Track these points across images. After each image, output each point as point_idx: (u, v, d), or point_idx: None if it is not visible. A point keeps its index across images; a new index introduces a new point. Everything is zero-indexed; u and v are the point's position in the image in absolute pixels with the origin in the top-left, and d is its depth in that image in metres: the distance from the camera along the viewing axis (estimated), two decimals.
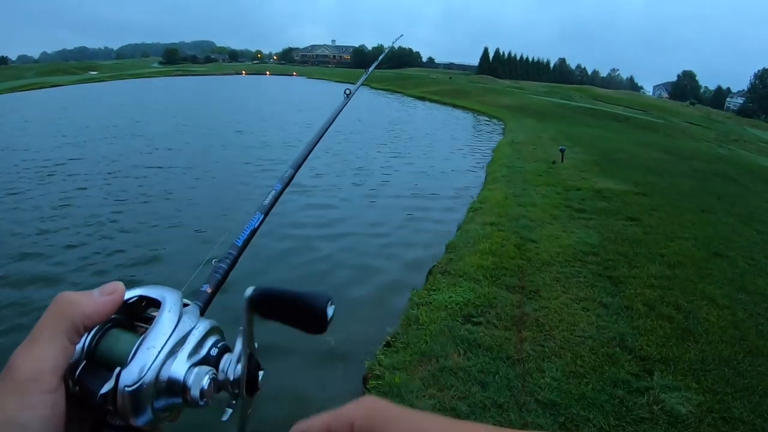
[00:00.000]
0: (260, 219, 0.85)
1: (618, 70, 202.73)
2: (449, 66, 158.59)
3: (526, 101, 50.42)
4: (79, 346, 0.51)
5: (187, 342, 0.53)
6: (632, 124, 42.01)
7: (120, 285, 0.53)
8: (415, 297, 6.41)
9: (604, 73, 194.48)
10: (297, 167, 1.04)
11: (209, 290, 0.68)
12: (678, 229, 9.57)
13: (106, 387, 0.49)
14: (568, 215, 10.11)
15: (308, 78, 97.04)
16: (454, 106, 46.62)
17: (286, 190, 0.98)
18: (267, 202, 0.88)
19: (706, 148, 33.03)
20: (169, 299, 0.55)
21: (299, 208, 11.05)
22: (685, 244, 8.70)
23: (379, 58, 2.31)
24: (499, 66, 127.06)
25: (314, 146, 1.13)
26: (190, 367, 0.52)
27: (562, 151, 16.72)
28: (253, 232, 0.82)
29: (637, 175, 15.33)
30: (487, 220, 9.63)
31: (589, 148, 21.09)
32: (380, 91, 64.24)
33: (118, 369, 0.49)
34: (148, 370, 0.49)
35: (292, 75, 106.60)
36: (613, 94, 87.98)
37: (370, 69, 2.09)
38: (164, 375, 0.51)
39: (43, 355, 0.46)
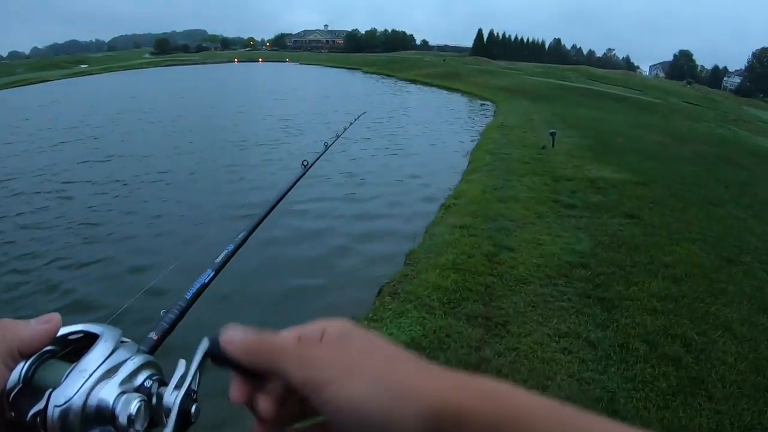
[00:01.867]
0: (211, 275, 0.87)
1: (614, 50, 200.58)
2: (443, 48, 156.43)
3: (520, 82, 48.79)
4: (16, 373, 0.51)
5: (120, 370, 0.53)
6: (630, 104, 40.35)
7: (56, 315, 0.54)
8: None
9: (599, 53, 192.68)
10: (251, 231, 1.07)
11: (155, 337, 0.69)
12: (683, 228, 8.10)
13: (37, 407, 0.49)
14: (556, 212, 8.63)
15: (300, 64, 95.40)
16: (446, 88, 44.99)
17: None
18: (219, 260, 0.92)
19: (706, 128, 31.50)
20: (108, 333, 0.56)
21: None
22: (692, 248, 7.22)
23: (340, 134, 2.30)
24: (493, 47, 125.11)
25: (269, 213, 1.17)
26: (120, 393, 0.52)
27: (552, 135, 15.21)
28: (203, 287, 0.84)
29: (635, 161, 13.84)
30: (457, 221, 8.15)
31: (584, 131, 19.54)
32: (372, 75, 62.77)
33: (49, 390, 0.50)
34: (78, 391, 0.49)
35: (285, 61, 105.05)
36: (609, 74, 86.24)
37: (331, 144, 2.01)
38: (93, 398, 0.50)
39: None
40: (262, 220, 1.13)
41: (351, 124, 2.51)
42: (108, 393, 0.51)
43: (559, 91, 43.50)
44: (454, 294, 5.51)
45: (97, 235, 8.86)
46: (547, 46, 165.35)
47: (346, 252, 8.26)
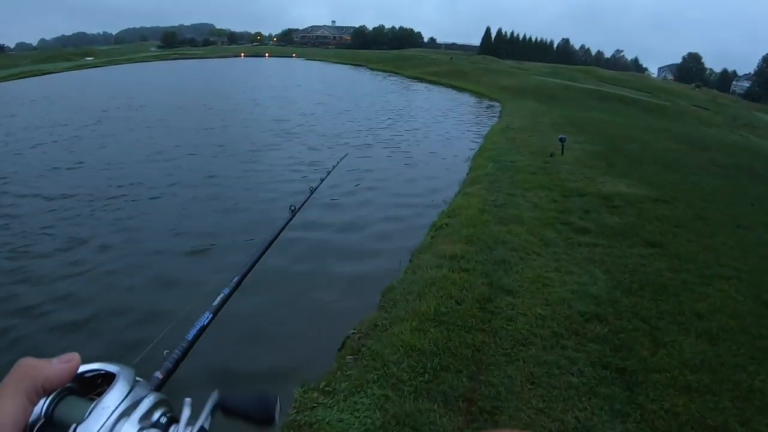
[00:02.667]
0: (209, 318, 0.94)
1: (622, 51, 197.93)
2: (451, 46, 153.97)
3: (528, 82, 47.45)
4: (38, 408, 0.53)
5: (138, 408, 0.56)
6: (640, 107, 38.95)
7: (76, 355, 0.57)
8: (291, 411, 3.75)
9: (608, 54, 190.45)
10: (243, 276, 1.12)
11: (161, 376, 0.75)
12: (713, 260, 6.78)
13: None
14: (566, 239, 7.33)
15: (306, 59, 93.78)
16: (452, 87, 43.71)
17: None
18: (216, 303, 0.99)
19: (718, 134, 30.14)
20: (124, 372, 0.59)
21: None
22: (726, 288, 5.91)
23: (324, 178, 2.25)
24: (501, 46, 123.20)
25: (261, 256, 1.21)
26: (139, 430, 0.55)
27: (562, 141, 13.91)
28: (202, 329, 0.90)
29: (651, 172, 12.58)
30: (448, 248, 6.87)
31: (595, 136, 18.22)
32: (378, 72, 61.43)
33: (74, 425, 0.52)
34: (101, 427, 0.52)
35: (292, 56, 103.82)
36: (618, 76, 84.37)
37: (316, 187, 2.05)
38: None
39: (5, 410, 0.49)
40: (252, 266, 1.15)
41: (334, 167, 2.49)
42: (128, 429, 0.54)
43: (567, 91, 42.16)
44: (432, 360, 4.22)
45: (26, 274, 7.12)
46: (555, 46, 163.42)
47: (320, 279, 7.08)
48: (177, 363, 0.81)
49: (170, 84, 42.15)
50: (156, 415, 0.58)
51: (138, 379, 0.60)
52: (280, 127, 19.84)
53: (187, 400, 0.59)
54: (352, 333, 4.91)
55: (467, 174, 12.68)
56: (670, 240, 7.46)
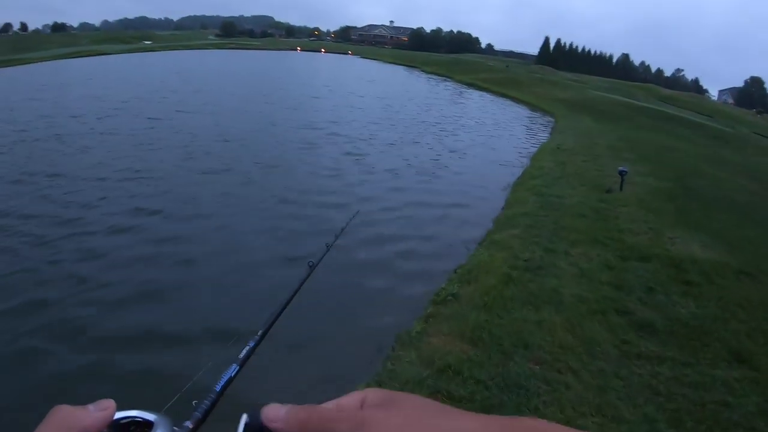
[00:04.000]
0: (236, 370, 0.91)
1: (683, 70, 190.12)
2: (508, 54, 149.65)
3: (584, 96, 44.60)
4: None
5: None
6: (702, 133, 35.73)
7: (111, 402, 0.57)
8: None
9: (668, 73, 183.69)
10: (267, 329, 1.08)
11: (191, 426, 0.70)
12: None
13: None
14: (620, 344, 4.98)
15: (361, 57, 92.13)
16: (505, 95, 41.10)
17: None
18: (242, 355, 0.95)
19: None
20: (161, 421, 0.59)
21: None
22: None
23: (338, 234, 2.07)
24: (559, 57, 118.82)
25: (282, 311, 1.18)
26: None
27: (622, 174, 11.46)
28: (230, 380, 0.88)
29: (728, 224, 10.06)
30: (440, 350, 4.63)
31: (658, 167, 15.61)
32: (432, 76, 59.01)
33: None
34: None
35: (347, 54, 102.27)
36: (677, 95, 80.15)
37: (332, 244, 1.86)
38: None
39: None
40: (274, 321, 1.12)
41: (347, 224, 2.23)
42: None
43: (625, 109, 39.21)
44: None
45: None
46: (614, 60, 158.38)
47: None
48: (206, 414, 0.74)
49: (227, 75, 40.63)
50: None
51: (175, 429, 0.61)
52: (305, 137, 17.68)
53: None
54: None
55: (502, 209, 10.41)
56: (762, 352, 5.08)
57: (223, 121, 18.63)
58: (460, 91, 42.39)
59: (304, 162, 13.51)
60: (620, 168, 11.64)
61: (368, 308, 6.45)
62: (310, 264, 1.43)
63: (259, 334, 1.05)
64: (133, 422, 0.58)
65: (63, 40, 74.66)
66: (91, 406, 0.54)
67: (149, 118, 17.86)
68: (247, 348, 0.99)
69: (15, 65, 37.31)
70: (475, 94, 41.37)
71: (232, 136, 15.94)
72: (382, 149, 15.88)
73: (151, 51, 67.59)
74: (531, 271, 6.63)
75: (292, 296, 1.27)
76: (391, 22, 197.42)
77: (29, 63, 39.68)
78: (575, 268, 6.86)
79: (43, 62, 41.20)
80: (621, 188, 11.50)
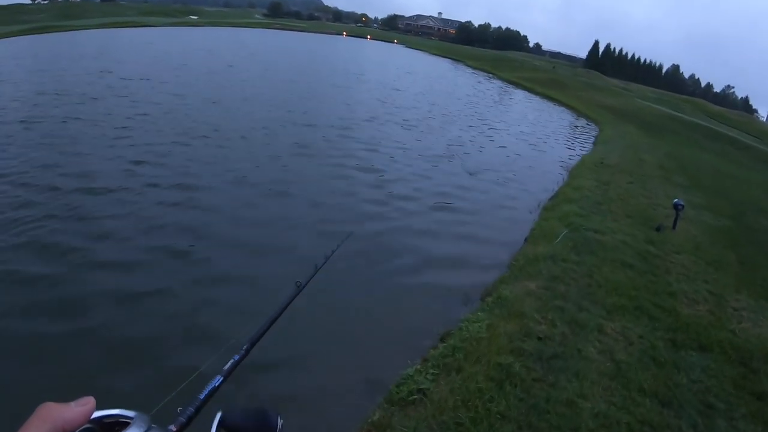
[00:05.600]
0: (220, 380, 0.97)
1: (733, 87, 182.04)
2: (556, 55, 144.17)
3: (631, 105, 41.75)
4: None
5: None
6: (752, 155, 32.54)
7: (91, 399, 0.60)
8: None
9: (717, 89, 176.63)
10: (252, 344, 1.15)
11: (174, 429, 0.74)
12: None
13: None
14: None
15: (406, 47, 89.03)
16: (548, 97, 38.40)
17: None
18: (227, 367, 1.02)
19: None
20: (140, 418, 0.61)
21: None
22: None
23: (329, 256, 2.17)
24: (607, 62, 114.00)
25: (268, 328, 1.24)
26: None
27: (677, 208, 9.12)
28: (214, 390, 0.93)
29: None
30: None
31: (714, 198, 13.14)
32: (477, 71, 56.13)
33: None
34: None
35: (393, 42, 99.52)
36: (726, 113, 75.65)
37: (321, 265, 1.93)
38: None
39: None
40: (260, 336, 1.18)
41: (338, 246, 2.23)
42: None
43: (672, 123, 36.34)
44: None
45: None
46: (664, 71, 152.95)
47: None
48: (189, 419, 0.79)
49: (256, 58, 38.69)
50: None
51: (153, 425, 0.61)
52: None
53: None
54: None
55: (522, 245, 8.16)
56: None
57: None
58: (508, 92, 39.39)
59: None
60: (675, 200, 9.32)
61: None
62: (298, 284, 1.47)
63: (244, 348, 1.11)
64: (117, 422, 0.60)
65: (108, 10, 74.18)
66: (72, 403, 0.58)
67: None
68: (233, 360, 1.04)
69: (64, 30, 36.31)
70: (519, 95, 38.60)
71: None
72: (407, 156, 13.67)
73: (194, 26, 66.47)
74: (543, 362, 4.43)
75: (279, 314, 1.31)
76: (439, 13, 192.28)
77: (73, 29, 38.50)
78: (608, 359, 4.64)
79: (87, 30, 40.02)
80: (674, 226, 9.18)
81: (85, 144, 10.42)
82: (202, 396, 0.89)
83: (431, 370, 4.29)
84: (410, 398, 3.96)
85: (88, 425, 0.58)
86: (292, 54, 41.56)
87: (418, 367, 4.39)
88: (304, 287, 1.48)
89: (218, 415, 0.66)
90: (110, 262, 6.13)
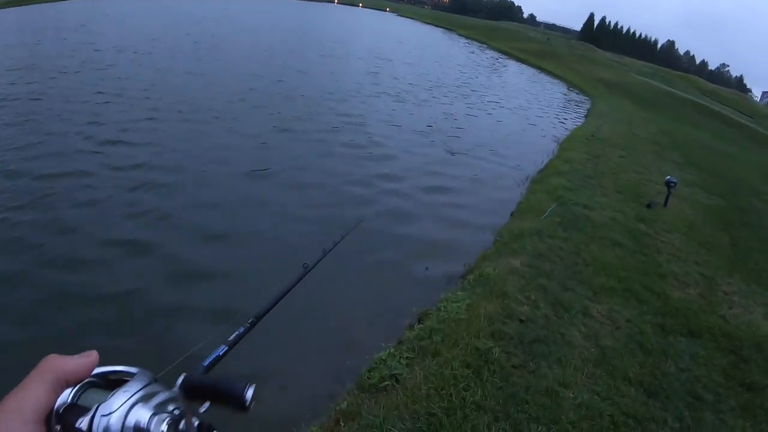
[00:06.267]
0: (224, 350, 1.00)
1: (728, 66, 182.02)
2: (551, 27, 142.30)
3: (626, 79, 41.37)
4: (64, 395, 0.57)
5: (155, 398, 0.59)
6: (744, 134, 32.40)
7: (94, 352, 0.61)
8: None
9: (712, 66, 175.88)
10: (258, 319, 1.19)
11: (177, 392, 0.70)
12: None
13: (86, 415, 0.55)
14: None
15: (398, 15, 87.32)
16: (540, 68, 37.79)
17: None
18: (231, 338, 1.05)
19: None
20: (143, 372, 0.62)
21: None
22: None
23: (337, 241, 2.05)
24: (602, 36, 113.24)
25: (275, 305, 1.26)
26: (153, 414, 0.57)
27: (669, 185, 8.83)
28: (218, 359, 0.97)
29: None
30: None
31: (708, 176, 12.86)
32: (470, 41, 55.11)
33: (97, 405, 0.56)
34: (121, 406, 0.55)
35: (385, 10, 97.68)
36: (719, 91, 75.14)
37: (329, 250, 1.86)
38: (133, 414, 0.56)
39: (28, 396, 0.54)
40: (266, 312, 1.20)
41: (348, 233, 2.16)
42: (144, 412, 0.56)
43: (667, 98, 36.05)
44: None
45: None
46: (659, 46, 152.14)
47: None
48: None
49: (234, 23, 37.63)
50: (170, 407, 0.59)
51: (155, 382, 0.61)
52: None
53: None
54: None
55: (510, 217, 7.88)
56: None
57: None
58: (501, 63, 38.60)
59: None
60: (668, 177, 9.01)
61: None
62: (305, 266, 1.48)
63: (249, 322, 1.15)
64: (120, 379, 0.60)
65: None
66: (75, 356, 0.59)
67: None
68: (237, 333, 1.07)
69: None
70: (512, 65, 38.00)
71: None
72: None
73: None
74: (524, 346, 4.14)
75: (286, 292, 1.32)
76: None
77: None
78: (593, 345, 4.36)
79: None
80: (666, 203, 8.90)
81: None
82: (206, 363, 0.92)
83: (406, 354, 3.99)
84: (381, 384, 3.66)
85: (90, 378, 0.59)
86: (280, 22, 40.37)
87: (392, 350, 4.09)
88: (311, 269, 1.49)
89: (182, 377, 0.61)
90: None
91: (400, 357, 3.96)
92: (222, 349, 1.00)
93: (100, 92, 11.59)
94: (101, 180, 7.22)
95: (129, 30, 23.05)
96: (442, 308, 4.68)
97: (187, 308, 4.91)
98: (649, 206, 8.68)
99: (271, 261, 5.65)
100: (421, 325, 4.48)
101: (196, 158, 8.59)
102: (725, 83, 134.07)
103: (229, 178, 8.06)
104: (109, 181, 7.23)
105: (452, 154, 11.34)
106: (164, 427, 0.56)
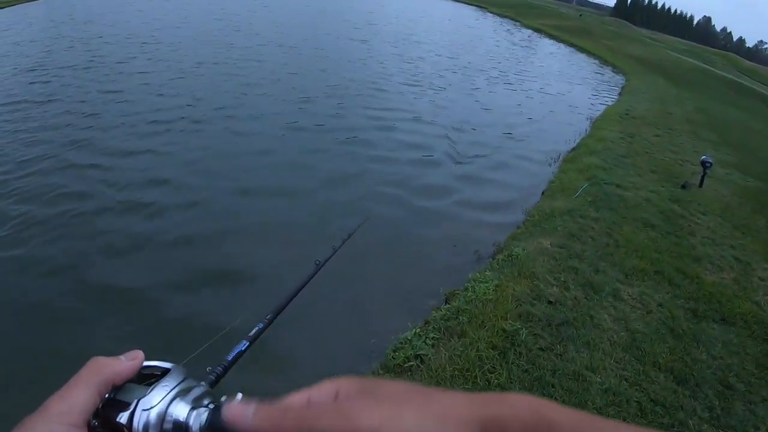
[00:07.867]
0: (246, 345, 1.01)
1: (766, 44, 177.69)
2: (583, 3, 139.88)
3: (660, 56, 40.25)
4: None
5: (191, 392, 0.60)
6: None
7: (140, 353, 0.61)
8: None
9: (750, 44, 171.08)
10: (276, 314, 1.19)
11: (205, 385, 0.71)
12: None
13: (127, 410, 0.55)
14: None
15: None
16: (573, 45, 36.98)
17: None
18: (252, 334, 1.07)
19: None
20: (177, 368, 0.62)
21: None
22: None
23: (345, 239, 1.93)
24: (636, 12, 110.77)
25: (290, 300, 1.27)
26: (192, 408, 0.58)
27: (705, 165, 8.58)
28: (240, 354, 0.96)
29: None
30: None
31: (744, 155, 12.48)
32: (503, 18, 54.10)
33: (137, 399, 0.56)
34: (161, 400, 0.56)
35: None
36: (758, 69, 73.16)
37: (339, 247, 1.79)
38: (173, 409, 0.57)
39: (76, 399, 0.53)
40: (283, 308, 1.22)
41: (355, 230, 2.05)
42: (183, 407, 0.57)
43: (702, 76, 35.02)
44: None
45: None
46: (695, 22, 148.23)
47: None
48: (218, 378, 0.84)
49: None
50: (205, 402, 0.59)
51: (189, 378, 0.62)
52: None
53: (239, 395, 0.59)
54: None
55: (541, 196, 7.75)
56: None
57: None
58: (533, 41, 37.69)
59: None
60: (703, 157, 8.74)
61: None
62: (317, 263, 1.46)
63: (267, 318, 1.16)
64: (153, 374, 0.60)
65: None
66: (122, 357, 0.59)
67: None
68: (257, 328, 1.09)
69: None
70: (545, 43, 37.25)
71: None
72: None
73: None
74: (552, 329, 4.07)
75: (299, 289, 1.32)
76: None
77: None
78: (622, 329, 4.26)
79: None
80: (701, 184, 8.66)
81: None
82: (229, 357, 0.93)
83: (432, 334, 3.94)
84: (406, 365, 3.64)
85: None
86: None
87: (418, 330, 4.04)
88: (322, 266, 1.47)
89: (204, 416, 0.58)
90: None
91: (426, 337, 3.91)
92: (244, 344, 1.01)
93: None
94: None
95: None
96: (470, 288, 4.61)
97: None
98: (683, 187, 8.45)
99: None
100: (448, 306, 4.42)
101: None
102: (763, 61, 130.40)
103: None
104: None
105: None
106: (203, 420, 0.56)
